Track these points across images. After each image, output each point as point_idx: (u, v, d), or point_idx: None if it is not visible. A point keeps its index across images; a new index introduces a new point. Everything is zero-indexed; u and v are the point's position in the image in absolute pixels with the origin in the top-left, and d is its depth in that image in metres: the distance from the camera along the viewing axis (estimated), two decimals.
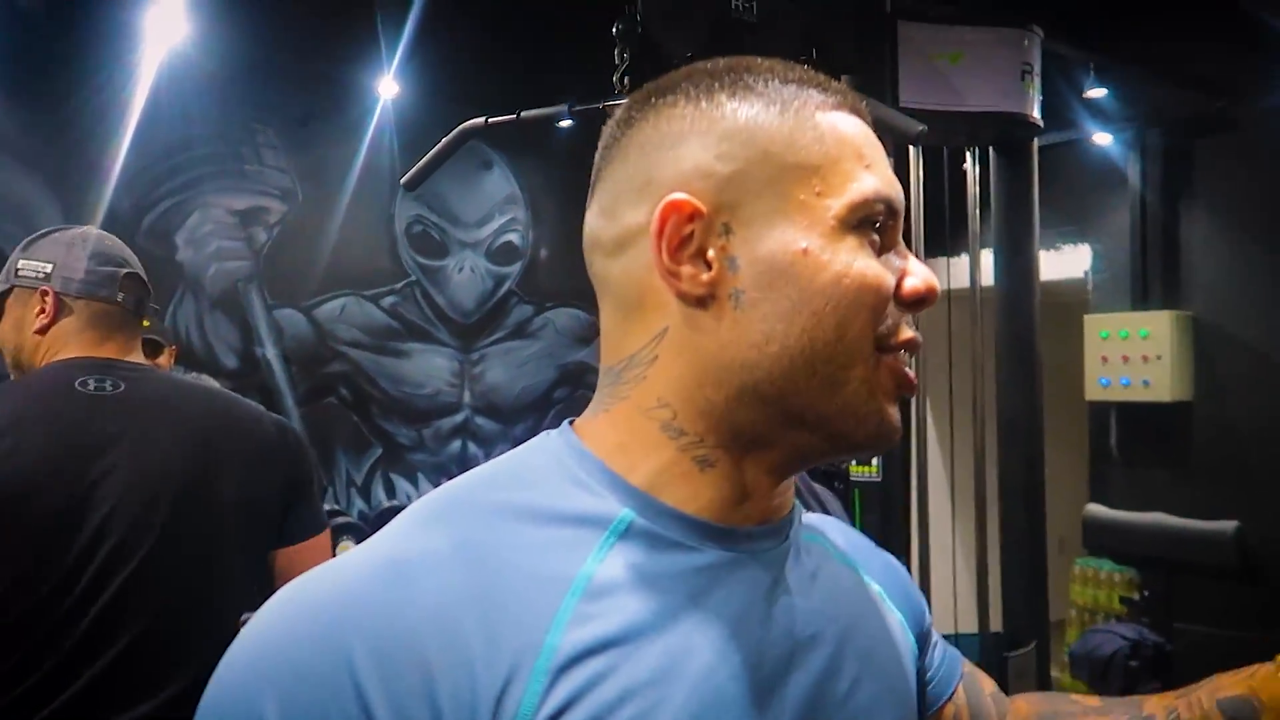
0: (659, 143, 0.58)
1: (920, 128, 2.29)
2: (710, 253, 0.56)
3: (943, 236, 2.82)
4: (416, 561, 0.51)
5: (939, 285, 0.59)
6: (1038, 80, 2.87)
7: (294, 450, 1.54)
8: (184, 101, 3.56)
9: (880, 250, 0.58)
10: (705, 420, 0.57)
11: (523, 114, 2.36)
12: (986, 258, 2.87)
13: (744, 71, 0.59)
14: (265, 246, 3.80)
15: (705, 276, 0.56)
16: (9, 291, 1.53)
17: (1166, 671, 2.89)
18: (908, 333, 0.58)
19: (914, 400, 2.66)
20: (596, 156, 0.62)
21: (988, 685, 0.81)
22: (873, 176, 0.58)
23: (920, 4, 2.82)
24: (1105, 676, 2.91)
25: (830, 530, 0.71)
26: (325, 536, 1.55)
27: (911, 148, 2.66)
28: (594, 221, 0.61)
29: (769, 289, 0.55)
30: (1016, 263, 2.82)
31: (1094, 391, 4.31)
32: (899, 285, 0.58)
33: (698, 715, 0.51)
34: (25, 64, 3.27)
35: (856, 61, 2.62)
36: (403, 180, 2.36)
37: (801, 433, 0.57)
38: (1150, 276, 4.32)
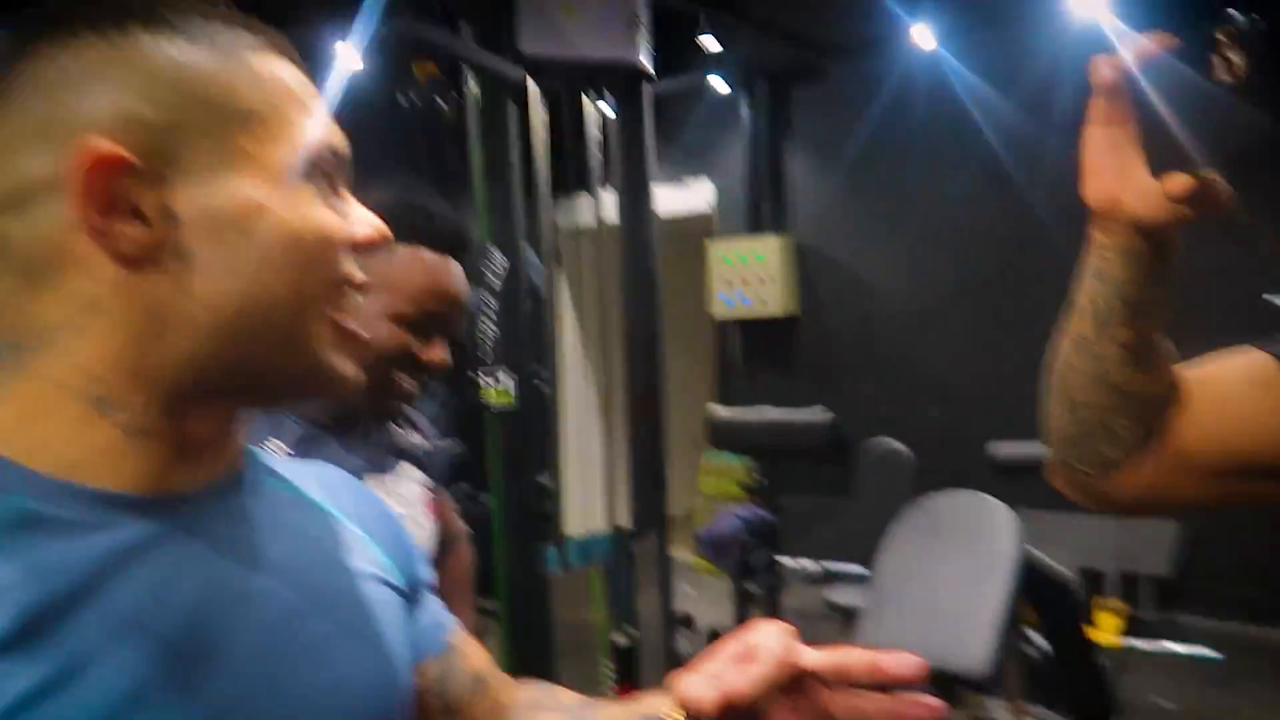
0: (61, 80, 0.51)
1: (519, 71, 2.44)
2: (146, 208, 0.52)
3: (566, 177, 3.05)
4: None
5: (387, 232, 0.61)
6: (645, 30, 3.13)
7: None
8: None
9: (327, 197, 0.58)
10: (149, 390, 0.53)
11: None
12: (610, 197, 3.15)
13: (161, 4, 0.54)
14: None
15: (143, 236, 0.52)
16: None
17: (773, 541, 3.43)
18: (350, 269, 0.59)
19: (552, 325, 2.91)
20: None
21: (474, 665, 0.77)
22: (315, 123, 0.57)
23: None
24: (725, 552, 3.40)
25: (307, 477, 0.68)
26: None
27: (531, 92, 2.84)
28: None
29: (220, 245, 0.53)
30: (635, 200, 3.11)
31: (718, 309, 4.87)
32: (350, 231, 0.59)
33: (109, 716, 0.47)
34: None
35: (473, 8, 2.75)
36: None
37: (254, 389, 0.57)
38: (761, 207, 4.91)
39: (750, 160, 4.92)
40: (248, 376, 0.56)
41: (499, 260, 2.62)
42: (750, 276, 4.73)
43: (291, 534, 0.61)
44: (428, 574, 0.75)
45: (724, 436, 3.57)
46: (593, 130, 3.12)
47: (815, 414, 3.42)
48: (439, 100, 2.60)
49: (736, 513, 3.52)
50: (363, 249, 0.59)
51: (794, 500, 3.72)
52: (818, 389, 4.31)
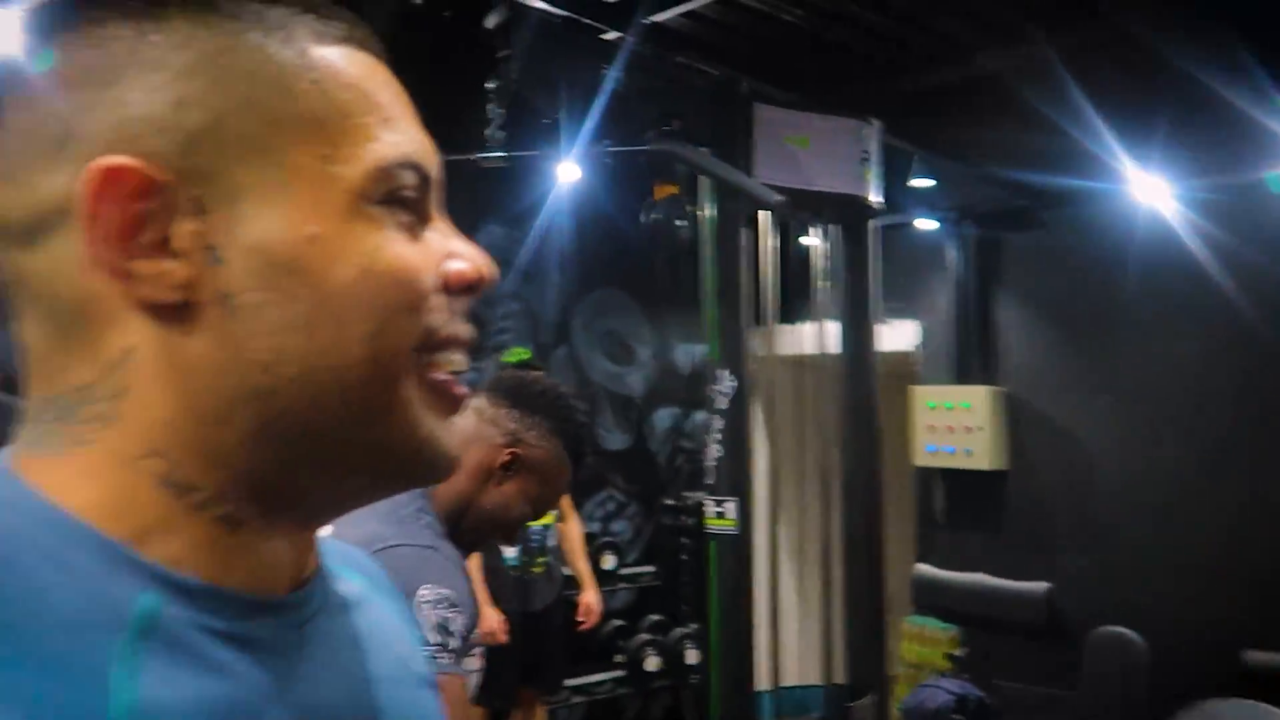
0: (80, 78, 0.41)
1: (779, 198, 2.44)
2: (178, 241, 0.41)
3: (795, 305, 2.98)
4: None
5: (492, 271, 0.47)
6: (876, 167, 3.10)
7: None
8: None
9: (414, 227, 0.45)
10: (217, 468, 0.42)
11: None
12: (831, 326, 3.05)
13: None
14: None
15: (175, 275, 0.41)
16: None
17: None
18: (456, 326, 0.46)
19: (768, 456, 2.78)
20: None
21: None
22: (396, 135, 0.44)
23: (774, 89, 3.02)
24: None
25: (359, 566, 0.58)
26: None
27: (763, 219, 2.81)
28: None
29: (274, 290, 0.41)
30: (857, 334, 3.00)
31: (922, 457, 4.60)
32: (445, 270, 0.46)
33: None
34: None
35: (716, 136, 2.77)
36: None
37: (342, 474, 0.45)
38: (969, 354, 4.68)
39: (958, 304, 4.73)
40: (328, 457, 0.44)
41: (727, 382, 2.54)
42: (957, 425, 4.47)
43: (379, 638, 0.53)
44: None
45: (930, 600, 3.30)
46: (818, 260, 3.05)
47: (1032, 586, 3.11)
48: (677, 221, 2.60)
49: (944, 685, 3.19)
50: (461, 290, 0.46)
51: (1008, 684, 3.34)
52: (1030, 556, 3.94)
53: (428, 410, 0.45)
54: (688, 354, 5.14)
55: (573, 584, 3.83)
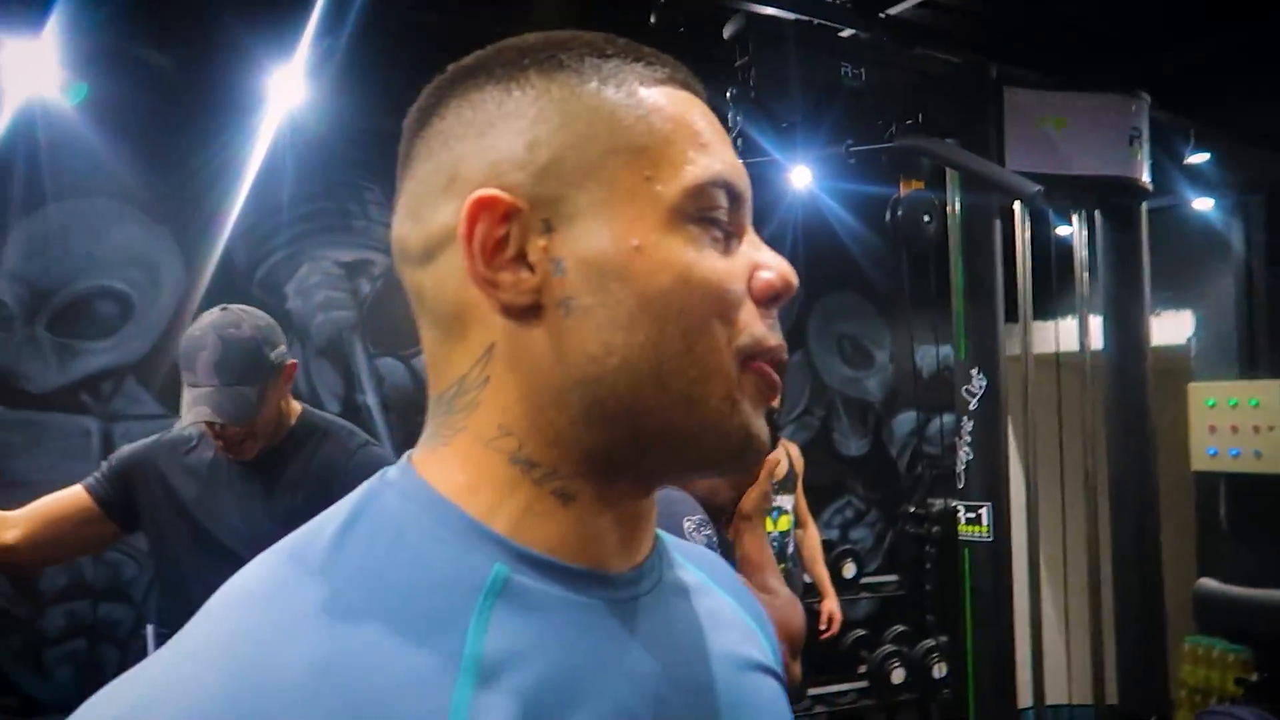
0: (463, 132, 0.51)
1: (1035, 188, 2.29)
2: (531, 255, 0.49)
3: (1049, 299, 2.79)
4: (270, 690, 0.41)
5: (796, 280, 0.52)
6: (1146, 145, 2.86)
7: None
8: (297, 161, 3.73)
9: (726, 242, 0.51)
10: (556, 447, 0.50)
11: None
12: (1094, 322, 2.83)
13: (558, 47, 0.52)
14: (368, 298, 3.93)
15: (528, 283, 0.49)
16: (276, 367, 1.71)
17: None
18: (772, 339, 0.51)
19: (1025, 463, 2.62)
20: (399, 152, 0.54)
21: None
22: (710, 158, 0.51)
23: (1025, 70, 2.85)
24: None
25: (702, 561, 0.64)
26: None
27: (1017, 210, 2.66)
28: (399, 227, 0.53)
29: (602, 293, 0.48)
30: (1125, 328, 2.77)
31: (1201, 461, 4.17)
32: (751, 281, 0.51)
33: None
34: (155, 121, 3.48)
35: (964, 125, 2.65)
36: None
37: (661, 451, 0.50)
38: (1257, 344, 4.20)
39: (1243, 290, 4.26)
40: (650, 438, 0.50)
41: (977, 382, 2.42)
42: (1243, 424, 4.02)
43: (712, 623, 0.58)
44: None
45: (1215, 618, 2.98)
46: (1079, 250, 2.84)
47: None
48: (924, 218, 2.51)
49: (1236, 713, 2.87)
50: (766, 301, 0.51)
51: None
52: None
53: (747, 404, 0.51)
54: (929, 357, 4.95)
55: (812, 591, 3.78)
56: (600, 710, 0.47)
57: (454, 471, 0.50)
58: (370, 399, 3.90)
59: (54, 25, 2.98)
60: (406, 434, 3.95)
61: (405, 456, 0.53)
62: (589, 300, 0.48)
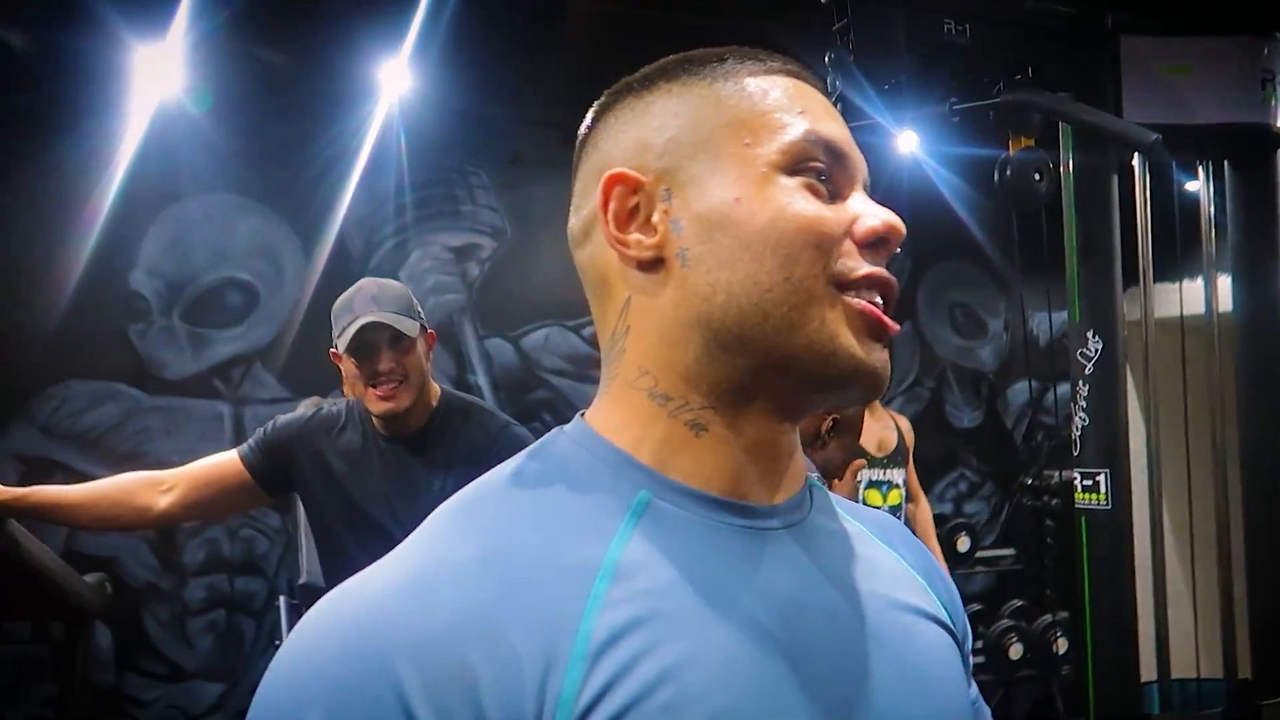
0: (608, 134, 0.61)
1: (1154, 136, 2.19)
2: (655, 219, 0.58)
3: (1173, 259, 2.66)
4: (442, 571, 0.51)
5: (901, 227, 0.58)
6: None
7: None
8: (406, 149, 3.85)
9: (831, 199, 0.58)
10: (684, 381, 0.58)
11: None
12: (1222, 283, 2.68)
13: (686, 60, 0.61)
14: (477, 280, 4.03)
15: (651, 241, 0.58)
16: (422, 328, 1.83)
17: None
18: (868, 267, 0.57)
19: (1147, 430, 2.51)
20: (572, 165, 0.64)
21: None
22: (806, 120, 0.58)
23: (1143, 18, 2.70)
24: None
25: (869, 518, 0.69)
26: None
27: (1136, 165, 2.54)
28: (571, 221, 0.63)
29: (709, 242, 0.56)
30: (1257, 288, 2.62)
31: None
32: (854, 227, 0.57)
33: (738, 696, 0.51)
34: (273, 117, 3.63)
35: (1076, 78, 2.54)
36: None
37: (776, 378, 0.57)
38: None
39: None
40: (763, 363, 0.56)
41: (1093, 345, 2.33)
42: None
43: (863, 564, 0.62)
44: (970, 652, 0.70)
45: None
46: (1206, 204, 2.69)
47: None
48: (1035, 176, 2.42)
49: None
50: (870, 244, 0.57)
51: None
52: None
53: (846, 329, 0.56)
54: (1046, 324, 4.77)
55: None
56: (725, 616, 0.53)
57: (610, 413, 0.59)
58: (481, 379, 4.01)
59: (177, 29, 3.15)
60: (515, 412, 4.04)
61: (579, 413, 0.62)
62: (700, 249, 0.57)
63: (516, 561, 0.52)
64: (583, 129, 0.64)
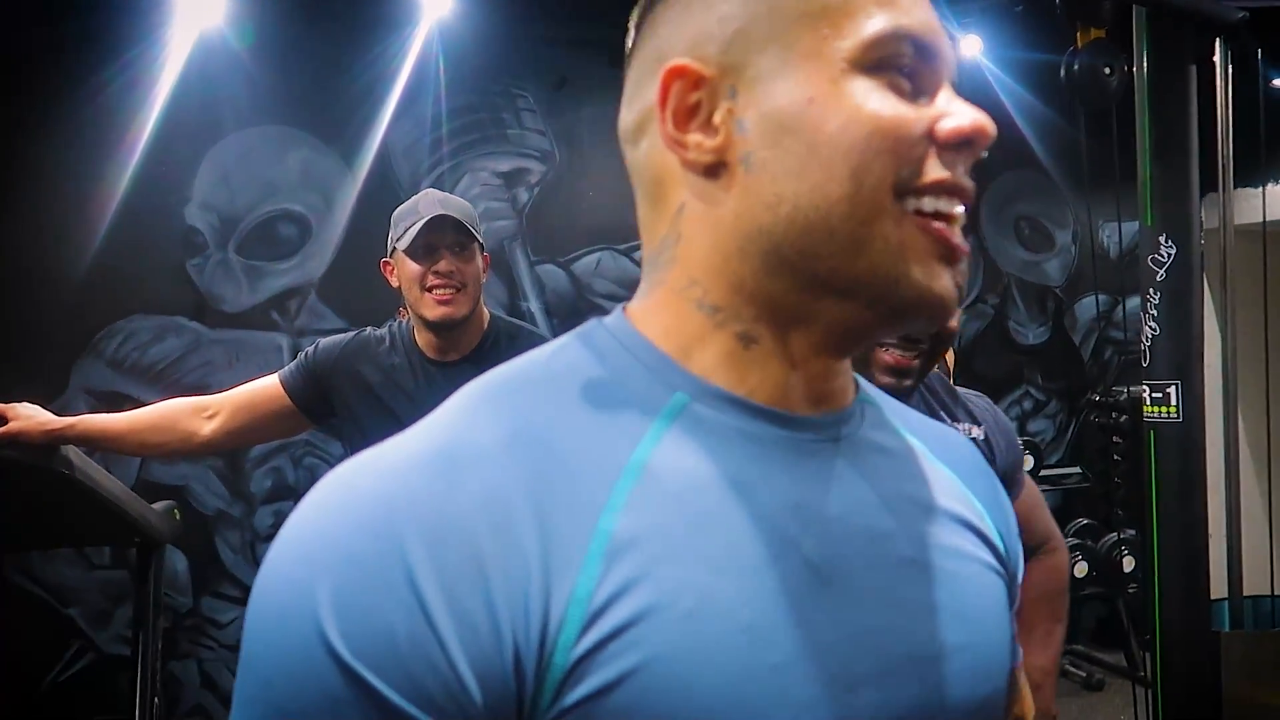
0: (666, 18, 0.56)
1: (1239, 14, 2.03)
2: (717, 118, 0.53)
3: (1257, 162, 2.49)
4: (466, 451, 0.49)
5: (991, 126, 0.52)
6: None
7: None
8: (451, 71, 3.79)
9: (914, 96, 0.52)
10: (737, 294, 0.54)
11: None
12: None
13: None
14: (527, 206, 4.00)
15: (712, 143, 0.53)
16: (481, 247, 1.78)
17: None
18: (942, 171, 0.51)
19: (1223, 342, 2.39)
20: (625, 53, 0.59)
21: (1018, 708, 0.74)
22: (891, 12, 0.52)
23: None
24: None
25: (933, 434, 0.65)
26: None
27: (1218, 57, 2.36)
28: (622, 115, 0.59)
29: (777, 146, 0.51)
30: None
31: None
32: (936, 126, 0.52)
33: (764, 608, 0.49)
34: (316, 47, 3.60)
35: None
36: None
37: (837, 301, 0.53)
38: None
39: None
40: (824, 285, 0.52)
41: (1165, 250, 2.21)
42: None
43: (913, 484, 0.58)
44: (1022, 566, 0.67)
45: None
46: None
47: None
48: (1106, 70, 2.27)
49: None
50: (953, 144, 0.52)
51: None
52: None
53: (914, 249, 0.51)
54: (1116, 235, 4.58)
55: None
56: (757, 527, 0.50)
57: (653, 318, 0.56)
58: (533, 305, 4.00)
59: None
60: None
61: (620, 306, 0.58)
62: (765, 154, 0.52)
63: (543, 450, 0.50)
64: (638, 13, 0.58)
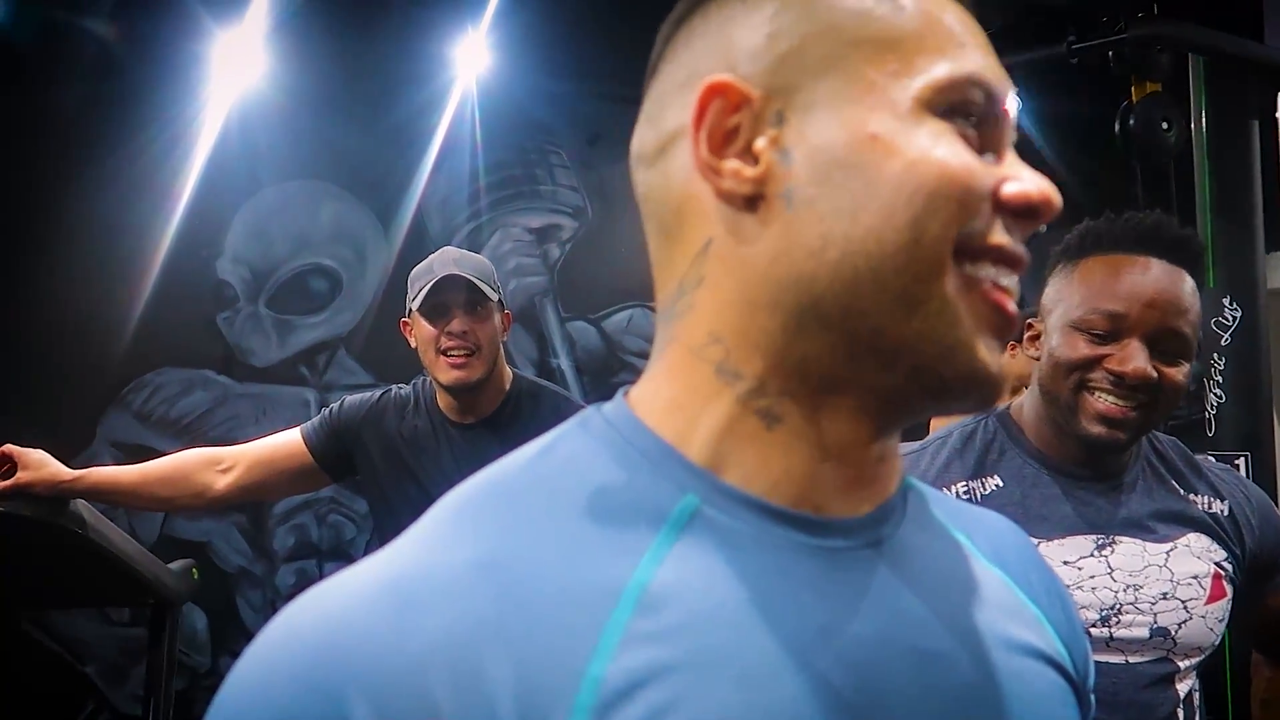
0: (704, 29, 0.49)
1: None
2: (759, 144, 0.46)
3: None
4: (424, 585, 0.42)
5: (1058, 199, 0.46)
6: None
7: None
8: (485, 127, 3.79)
9: (980, 150, 0.47)
10: (764, 358, 0.46)
11: None
12: None
13: None
14: (558, 262, 3.96)
15: (752, 173, 0.46)
16: (500, 304, 1.76)
17: None
18: (1000, 236, 0.46)
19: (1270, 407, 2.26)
20: (649, 63, 0.53)
21: None
22: (966, 57, 0.47)
23: None
24: None
25: (972, 523, 0.57)
26: None
27: None
28: (639, 133, 0.52)
29: (827, 183, 0.45)
30: None
31: None
32: (1002, 188, 0.46)
33: None
34: (351, 101, 3.62)
35: (1209, 8, 2.29)
36: None
37: (877, 368, 0.46)
38: None
39: None
40: (865, 349, 0.46)
41: (1230, 313, 2.10)
42: None
43: (964, 592, 0.51)
44: (1092, 680, 0.59)
45: None
46: None
47: None
48: (1163, 124, 2.19)
49: None
50: (1015, 211, 0.46)
51: None
52: None
53: (969, 317, 0.46)
54: None
55: None
56: (781, 664, 0.42)
57: (660, 388, 0.49)
58: (563, 362, 3.94)
59: (255, 13, 3.14)
60: (599, 396, 3.93)
61: (621, 390, 0.51)
62: (813, 190, 0.45)
63: (519, 578, 0.42)
64: (670, 21, 0.52)
